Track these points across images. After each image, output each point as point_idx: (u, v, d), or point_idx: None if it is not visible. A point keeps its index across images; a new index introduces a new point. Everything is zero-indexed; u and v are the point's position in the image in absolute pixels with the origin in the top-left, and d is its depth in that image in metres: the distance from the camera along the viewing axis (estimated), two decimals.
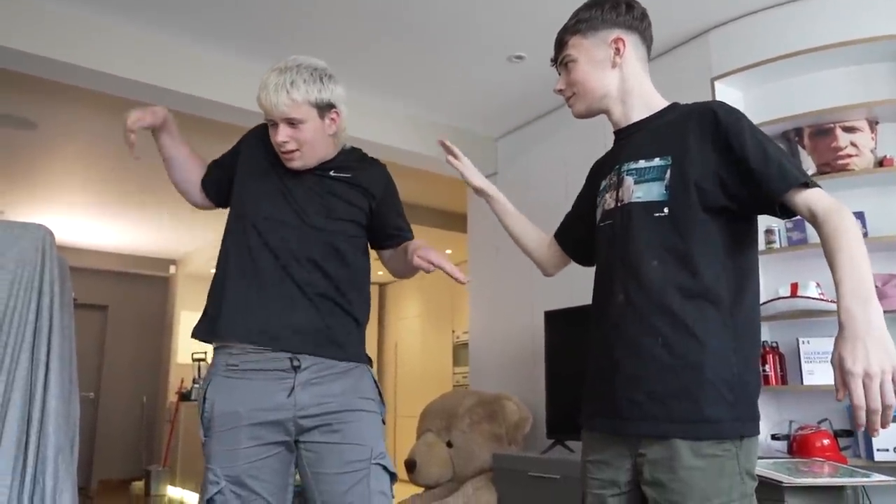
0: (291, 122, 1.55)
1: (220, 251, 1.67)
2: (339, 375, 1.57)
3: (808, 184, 1.18)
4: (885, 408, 0.97)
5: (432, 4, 3.03)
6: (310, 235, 1.59)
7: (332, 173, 1.66)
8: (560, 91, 1.48)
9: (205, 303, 1.65)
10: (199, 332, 1.60)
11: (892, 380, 0.98)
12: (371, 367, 1.69)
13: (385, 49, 3.41)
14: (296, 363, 1.52)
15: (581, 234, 1.58)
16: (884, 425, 0.98)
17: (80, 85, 3.24)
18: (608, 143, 1.52)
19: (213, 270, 1.67)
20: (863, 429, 0.99)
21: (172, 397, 7.34)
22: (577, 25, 1.42)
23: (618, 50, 1.39)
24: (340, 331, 1.61)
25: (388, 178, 1.77)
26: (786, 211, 1.22)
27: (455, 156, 1.68)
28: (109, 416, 7.87)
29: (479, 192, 1.68)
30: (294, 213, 1.61)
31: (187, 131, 4.29)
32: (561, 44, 1.45)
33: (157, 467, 7.07)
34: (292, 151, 1.57)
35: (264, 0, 2.99)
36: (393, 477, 1.58)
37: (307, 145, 1.58)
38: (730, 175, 1.23)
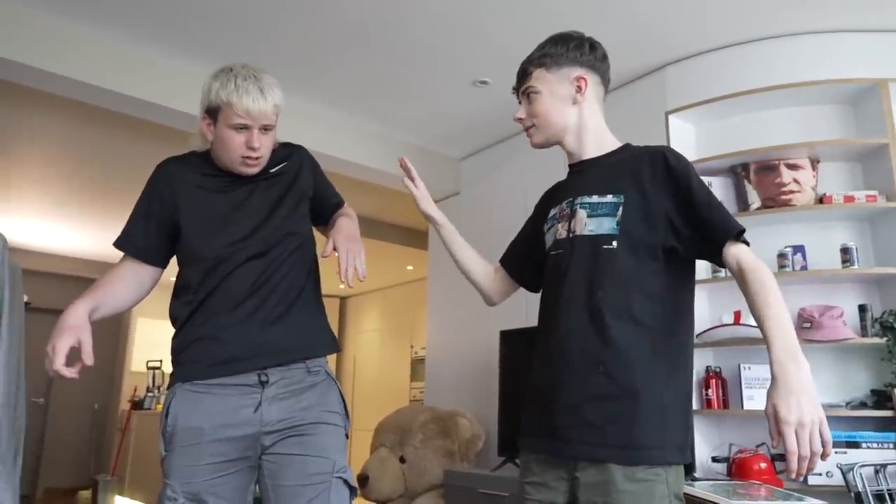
0: (266, 128, 1.54)
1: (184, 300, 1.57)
2: (305, 389, 1.55)
3: (738, 237, 1.28)
4: (813, 454, 1.06)
5: (401, 26, 3.09)
6: (273, 237, 1.57)
7: (271, 171, 1.64)
8: (520, 120, 1.52)
9: (168, 316, 1.59)
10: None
11: (819, 430, 1.06)
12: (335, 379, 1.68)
13: (352, 65, 3.46)
14: (263, 378, 1.50)
15: (527, 260, 1.62)
16: (810, 469, 1.07)
17: (39, 88, 3.21)
18: (566, 169, 1.56)
19: (172, 278, 1.62)
20: (794, 474, 1.07)
21: (125, 405, 7.19)
22: (542, 59, 1.47)
23: (579, 88, 1.45)
24: (309, 329, 1.61)
25: (310, 156, 1.77)
26: (720, 257, 1.30)
27: (412, 178, 1.69)
28: (59, 423, 7.65)
29: (428, 218, 1.71)
30: (253, 224, 1.57)
31: (144, 138, 4.26)
32: (525, 74, 1.49)
33: (106, 477, 6.89)
34: (258, 158, 1.56)
35: (233, 15, 3.02)
36: (353, 491, 1.56)
37: (267, 151, 1.58)
38: (679, 218, 1.31)
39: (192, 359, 1.51)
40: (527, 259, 1.63)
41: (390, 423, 3.87)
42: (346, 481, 1.53)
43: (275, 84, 1.54)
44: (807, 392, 1.09)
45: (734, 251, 1.27)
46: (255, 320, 1.52)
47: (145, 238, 1.59)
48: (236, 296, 1.52)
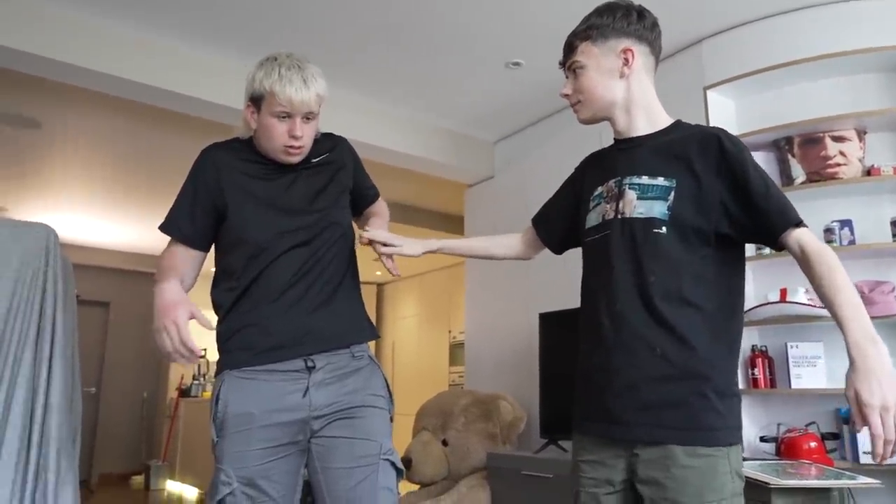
0: (308, 117, 1.56)
1: (226, 286, 1.59)
2: (351, 373, 1.58)
3: (799, 223, 1.26)
4: None
5: (433, 10, 3.08)
6: (316, 226, 1.59)
7: (313, 160, 1.66)
8: (566, 96, 1.48)
9: (212, 306, 1.62)
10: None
11: None
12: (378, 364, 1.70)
13: (385, 52, 3.46)
14: (310, 363, 1.53)
15: (559, 225, 1.62)
16: (894, 454, 1.06)
17: (84, 85, 3.29)
18: (608, 143, 1.52)
19: (213, 269, 1.64)
20: (879, 459, 1.05)
21: (172, 393, 7.39)
22: (587, 31, 1.42)
23: (626, 60, 1.39)
24: (350, 317, 1.63)
25: (352, 149, 1.79)
26: (777, 244, 1.29)
27: (384, 243, 1.64)
28: (110, 411, 7.91)
29: (430, 253, 1.72)
30: (297, 212, 1.59)
31: (187, 131, 4.34)
32: (570, 48, 1.45)
33: (157, 462, 7.12)
34: (301, 147, 1.58)
35: (266, 4, 3.04)
36: (400, 473, 1.58)
37: (310, 139, 1.60)
38: (734, 205, 1.28)
39: (239, 347, 1.54)
40: (560, 227, 1.63)
41: (432, 407, 3.90)
42: (392, 463, 1.55)
43: (318, 73, 1.56)
44: (888, 374, 1.07)
45: (796, 235, 1.25)
46: (300, 308, 1.55)
47: (191, 223, 1.59)
48: (280, 283, 1.54)
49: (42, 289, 1.97)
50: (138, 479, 7.17)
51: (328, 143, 1.72)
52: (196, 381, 7.06)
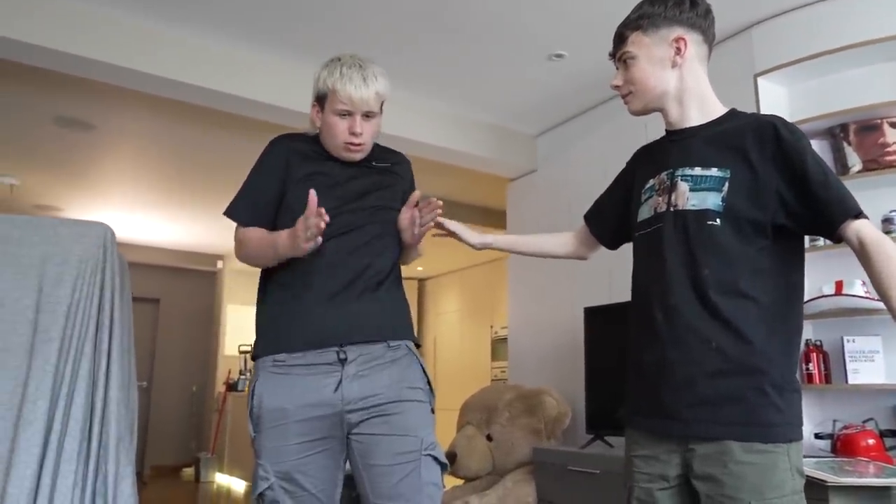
0: (368, 115, 1.60)
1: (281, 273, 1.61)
2: (386, 365, 1.55)
3: (857, 218, 1.22)
4: None
5: (473, 3, 3.07)
6: (364, 220, 1.62)
7: (374, 163, 1.70)
8: (616, 87, 1.46)
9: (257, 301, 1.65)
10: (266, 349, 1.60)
11: None
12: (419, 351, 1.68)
13: (425, 47, 3.47)
14: (342, 356, 1.52)
15: (612, 223, 1.60)
16: None
17: (135, 88, 3.38)
18: (649, 140, 1.51)
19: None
20: None
21: (220, 387, 7.56)
22: (638, 21, 1.39)
23: (678, 50, 1.36)
24: (392, 312, 1.64)
25: (412, 174, 1.83)
26: (835, 236, 1.25)
27: (442, 225, 1.69)
28: (161, 405, 8.14)
29: (484, 248, 1.75)
30: (348, 204, 1.61)
31: (234, 131, 4.43)
32: (621, 39, 1.42)
33: (206, 455, 7.29)
34: (362, 144, 1.62)
35: (311, 2, 3.08)
36: (444, 467, 1.56)
37: (371, 138, 1.64)
38: (791, 196, 1.25)
39: (274, 334, 1.56)
40: (612, 222, 1.61)
41: (476, 402, 3.90)
42: (435, 458, 1.54)
43: (379, 73, 1.61)
44: None
45: (855, 226, 1.22)
46: (341, 298, 1.55)
47: (253, 211, 1.63)
48: (324, 273, 1.55)
49: (101, 285, 2.02)
50: (189, 472, 7.36)
51: (393, 157, 1.78)
52: (243, 376, 7.20)
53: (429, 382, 1.64)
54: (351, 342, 1.53)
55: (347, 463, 1.59)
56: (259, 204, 1.64)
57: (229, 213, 1.65)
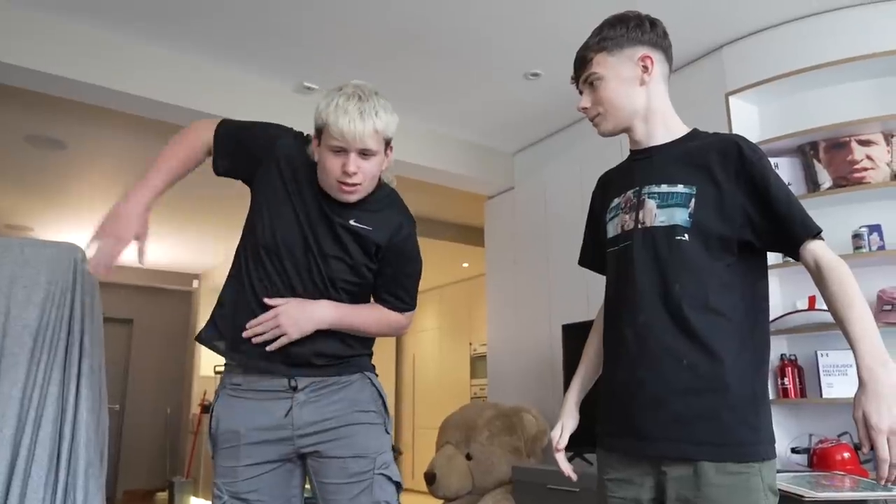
0: (364, 154, 1.46)
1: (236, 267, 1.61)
2: (337, 390, 1.56)
3: (816, 236, 1.24)
4: None
5: (450, 22, 3.09)
6: (320, 268, 1.55)
7: (351, 223, 1.55)
8: (584, 109, 1.45)
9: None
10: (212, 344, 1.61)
11: None
12: (374, 374, 1.65)
13: (403, 65, 3.48)
14: (293, 383, 1.53)
15: (598, 250, 1.58)
16: None
17: (108, 106, 3.35)
18: (624, 157, 1.52)
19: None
20: (883, 482, 1.06)
21: (195, 409, 7.43)
22: (601, 43, 1.40)
23: (646, 68, 1.38)
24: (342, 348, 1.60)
25: (404, 230, 1.63)
26: (797, 253, 1.27)
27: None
28: (134, 428, 7.98)
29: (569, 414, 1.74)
30: (307, 243, 1.54)
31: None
32: (584, 61, 1.42)
33: (181, 479, 7.13)
34: (356, 185, 1.48)
35: (284, 18, 3.07)
36: (398, 486, 1.57)
37: (369, 179, 1.50)
38: (755, 211, 1.27)
39: (236, 359, 1.57)
40: (598, 251, 1.58)
41: (455, 421, 3.87)
42: (388, 477, 1.56)
43: (381, 107, 1.46)
44: None
45: (811, 247, 1.24)
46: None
47: (236, 141, 1.61)
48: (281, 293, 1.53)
49: (70, 307, 1.99)
50: (162, 496, 7.19)
51: (398, 218, 1.61)
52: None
53: (384, 404, 1.64)
54: (299, 375, 1.54)
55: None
56: (241, 141, 1.61)
57: (219, 122, 1.64)
